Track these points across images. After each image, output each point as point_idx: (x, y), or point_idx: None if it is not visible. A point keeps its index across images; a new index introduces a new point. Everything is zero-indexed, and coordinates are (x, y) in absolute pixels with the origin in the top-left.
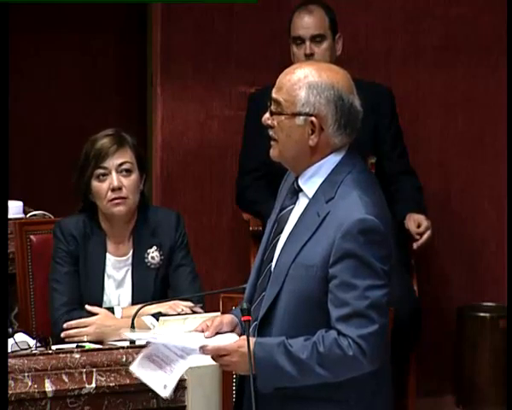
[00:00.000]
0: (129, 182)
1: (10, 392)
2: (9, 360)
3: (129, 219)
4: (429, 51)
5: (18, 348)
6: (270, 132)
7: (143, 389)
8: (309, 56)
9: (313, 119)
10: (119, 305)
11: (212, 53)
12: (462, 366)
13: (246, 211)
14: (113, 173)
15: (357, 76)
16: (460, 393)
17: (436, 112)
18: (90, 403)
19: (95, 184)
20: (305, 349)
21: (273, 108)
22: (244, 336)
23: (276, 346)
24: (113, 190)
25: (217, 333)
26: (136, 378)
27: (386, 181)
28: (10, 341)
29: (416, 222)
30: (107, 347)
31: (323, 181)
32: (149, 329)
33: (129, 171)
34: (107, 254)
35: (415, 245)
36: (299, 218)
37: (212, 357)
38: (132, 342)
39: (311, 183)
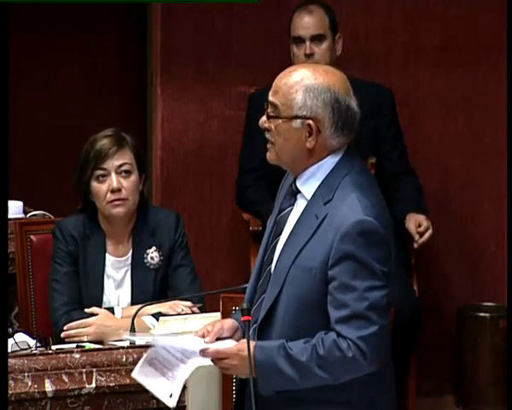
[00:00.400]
0: (128, 183)
1: (10, 392)
2: (9, 360)
3: (128, 219)
4: (429, 51)
5: (18, 348)
6: (267, 135)
7: (143, 389)
8: (309, 56)
9: (310, 122)
10: (118, 305)
11: (212, 53)
12: (462, 366)
13: (246, 211)
14: (113, 175)
15: (357, 76)
16: (460, 393)
17: (436, 112)
18: (90, 403)
19: (94, 184)
20: (305, 352)
21: (270, 111)
22: (244, 340)
23: (275, 349)
24: (113, 191)
25: (217, 339)
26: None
27: (387, 181)
28: (10, 341)
29: (417, 222)
30: (107, 347)
31: (321, 183)
32: (149, 329)
33: (128, 172)
34: (107, 255)
35: (415, 245)
36: (298, 220)
37: (212, 360)
38: (132, 341)
39: (308, 185)
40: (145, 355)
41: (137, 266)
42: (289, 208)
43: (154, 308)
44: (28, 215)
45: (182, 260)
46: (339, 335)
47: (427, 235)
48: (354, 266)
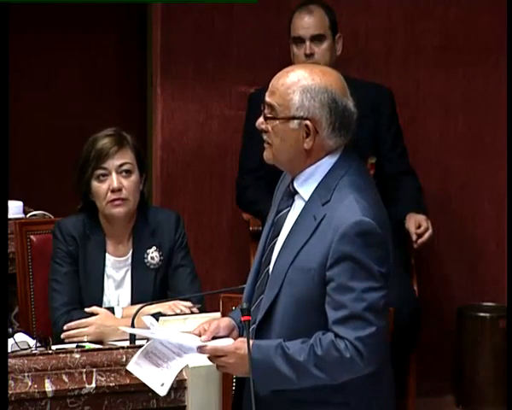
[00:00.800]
0: (129, 183)
1: (10, 392)
2: (9, 360)
3: (129, 219)
4: (429, 51)
5: (18, 348)
6: (264, 137)
7: (143, 389)
8: (309, 56)
9: (308, 122)
10: (118, 305)
11: (212, 53)
12: (462, 366)
13: (246, 211)
14: (113, 174)
15: (357, 76)
16: (460, 393)
17: (436, 112)
18: (90, 403)
19: (94, 184)
20: (303, 352)
21: (267, 112)
22: (241, 339)
23: (273, 348)
24: (113, 191)
25: (213, 337)
26: (137, 378)
27: (387, 181)
28: (10, 341)
29: (417, 223)
30: (107, 347)
31: (319, 184)
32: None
33: (129, 172)
34: (107, 255)
35: (415, 245)
36: (296, 221)
37: (209, 358)
38: (132, 341)
39: (306, 186)
40: (141, 349)
41: (137, 266)
42: (287, 209)
43: (154, 308)
44: (28, 215)
45: (182, 261)
46: (336, 335)
47: (426, 235)
48: (352, 267)
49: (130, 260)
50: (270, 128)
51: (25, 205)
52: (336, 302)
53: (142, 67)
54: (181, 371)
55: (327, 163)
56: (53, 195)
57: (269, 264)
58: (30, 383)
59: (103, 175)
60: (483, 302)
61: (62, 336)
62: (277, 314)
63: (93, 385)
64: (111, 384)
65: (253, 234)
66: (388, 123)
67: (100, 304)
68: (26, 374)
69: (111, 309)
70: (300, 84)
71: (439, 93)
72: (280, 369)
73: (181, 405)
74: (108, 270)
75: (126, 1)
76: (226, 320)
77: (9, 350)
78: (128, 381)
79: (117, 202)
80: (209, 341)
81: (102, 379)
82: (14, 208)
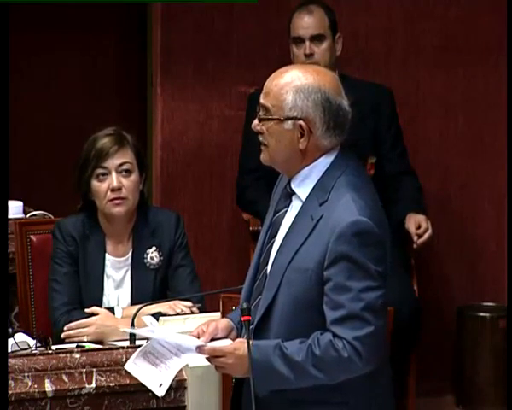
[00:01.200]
0: (129, 182)
1: (10, 392)
2: (9, 360)
3: (128, 219)
4: (429, 51)
5: (18, 348)
6: (260, 138)
7: (143, 390)
8: (309, 56)
9: (302, 122)
10: (118, 305)
11: (212, 53)
12: (462, 366)
13: (246, 211)
14: (113, 174)
15: (357, 76)
16: (460, 393)
17: (436, 112)
18: (90, 403)
19: (94, 183)
20: (301, 352)
21: (261, 113)
22: (240, 339)
23: (271, 348)
24: (113, 190)
25: (212, 339)
26: (137, 378)
27: (386, 181)
28: (10, 341)
29: (416, 223)
30: (107, 347)
31: (316, 184)
32: None
33: (129, 171)
34: (107, 255)
35: (414, 246)
36: (293, 221)
37: (208, 358)
38: (132, 341)
39: (303, 186)
40: (139, 349)
41: (137, 266)
42: (284, 210)
43: (154, 308)
44: (28, 215)
45: (182, 261)
46: (334, 335)
47: (426, 236)
48: (349, 266)
49: (129, 260)
50: (265, 129)
51: (25, 205)
52: (334, 302)
53: (142, 67)
54: (180, 371)
55: (323, 163)
56: (53, 195)
57: (267, 264)
58: (30, 383)
59: (103, 174)
60: (483, 302)
61: (62, 336)
62: (275, 314)
63: (93, 385)
64: (111, 384)
65: (253, 234)
66: (388, 123)
67: (100, 304)
68: (26, 374)
69: (111, 309)
70: (293, 84)
71: (439, 93)
72: (278, 369)
73: (181, 405)
74: (108, 270)
75: (126, 1)
76: (224, 321)
77: (9, 350)
78: (128, 381)
79: (117, 201)
80: (207, 342)
81: (102, 379)
82: (14, 208)
